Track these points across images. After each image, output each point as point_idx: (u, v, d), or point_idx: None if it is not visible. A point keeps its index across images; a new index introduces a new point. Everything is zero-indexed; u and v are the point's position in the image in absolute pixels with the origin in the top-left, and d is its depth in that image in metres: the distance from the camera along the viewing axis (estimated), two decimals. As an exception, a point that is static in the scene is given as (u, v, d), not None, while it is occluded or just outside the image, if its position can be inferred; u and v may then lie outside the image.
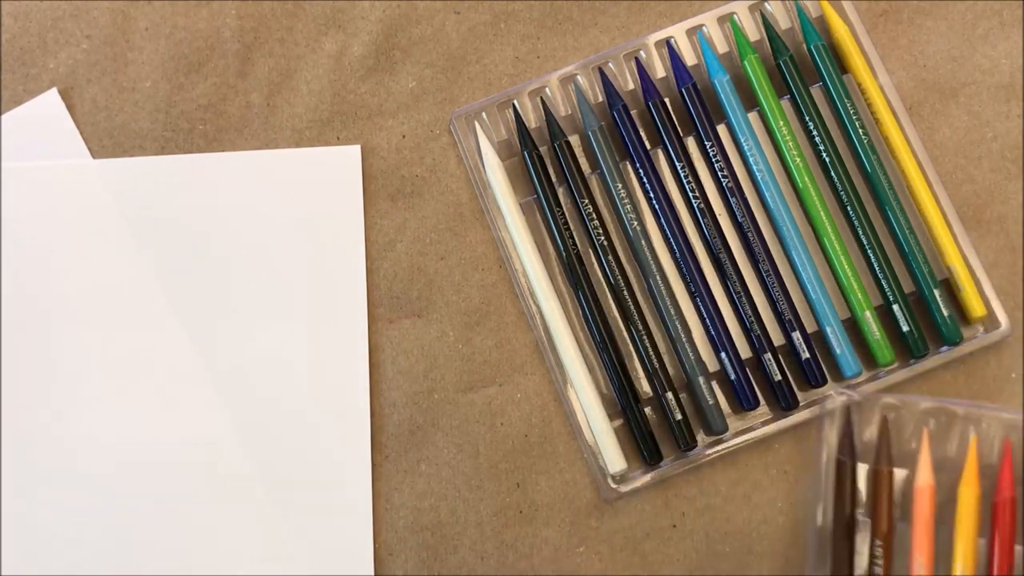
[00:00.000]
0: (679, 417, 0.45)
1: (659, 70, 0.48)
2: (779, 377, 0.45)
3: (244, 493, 0.45)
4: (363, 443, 0.46)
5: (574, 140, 0.48)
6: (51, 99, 0.48)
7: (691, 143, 0.47)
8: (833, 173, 0.47)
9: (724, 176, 0.46)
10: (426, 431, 0.46)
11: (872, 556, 0.43)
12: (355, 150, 0.48)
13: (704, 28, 0.48)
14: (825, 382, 0.45)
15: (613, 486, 0.45)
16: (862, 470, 0.44)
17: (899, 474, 0.44)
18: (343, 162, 0.48)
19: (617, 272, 0.46)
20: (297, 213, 0.48)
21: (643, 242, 0.46)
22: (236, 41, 0.49)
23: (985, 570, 0.43)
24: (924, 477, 0.43)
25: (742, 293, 0.46)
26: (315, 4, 0.50)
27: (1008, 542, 0.43)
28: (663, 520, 0.46)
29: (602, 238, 0.46)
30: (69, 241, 0.47)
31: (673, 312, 0.46)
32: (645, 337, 0.45)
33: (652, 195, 0.46)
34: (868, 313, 0.45)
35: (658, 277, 0.46)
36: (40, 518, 0.45)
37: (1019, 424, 0.44)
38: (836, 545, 0.43)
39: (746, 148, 0.47)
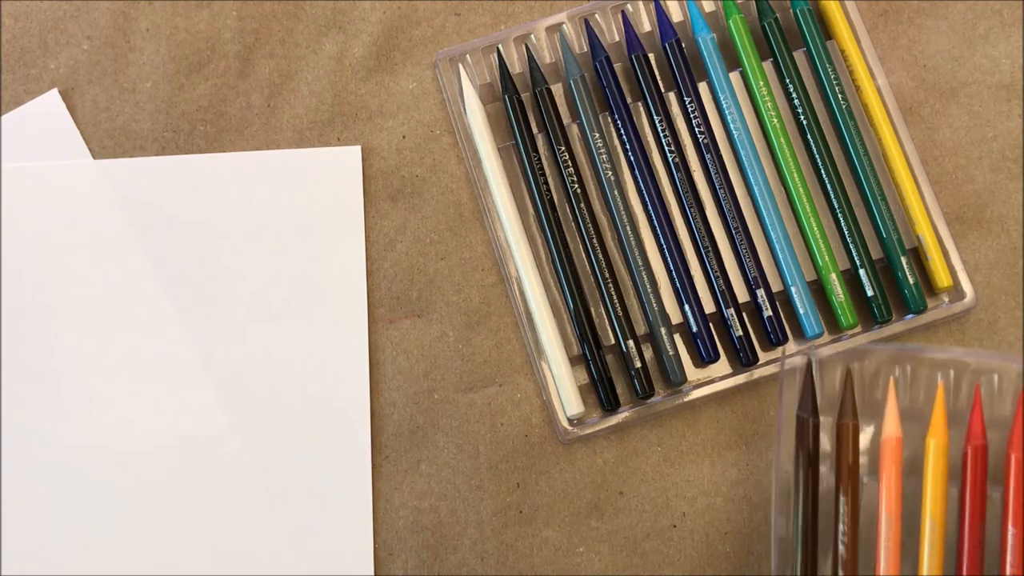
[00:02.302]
0: (638, 365, 0.45)
1: (645, 24, 0.48)
2: (740, 333, 0.45)
3: (244, 493, 0.45)
4: (363, 443, 0.46)
5: (557, 89, 0.48)
6: (52, 100, 0.48)
7: (672, 99, 0.48)
8: (809, 136, 0.47)
9: (701, 133, 0.47)
10: (426, 431, 0.46)
11: (837, 513, 0.41)
12: (355, 151, 0.49)
13: None
14: (786, 340, 0.46)
15: (570, 428, 0.45)
16: (826, 426, 0.43)
17: (869, 430, 0.43)
18: (343, 163, 0.48)
19: (588, 220, 0.46)
20: (297, 213, 0.48)
21: (616, 192, 0.47)
22: (237, 42, 0.49)
23: (957, 519, 0.42)
24: (891, 428, 0.42)
25: (710, 248, 0.46)
26: (315, 5, 0.50)
27: (980, 490, 0.41)
28: (663, 520, 0.46)
29: (575, 185, 0.47)
30: (69, 241, 0.47)
31: (641, 262, 0.46)
32: (611, 285, 0.46)
33: (628, 147, 0.47)
34: (834, 275, 0.46)
35: (628, 227, 0.46)
36: (40, 518, 0.45)
37: (990, 369, 0.43)
38: (800, 504, 0.42)
39: (725, 107, 0.47)
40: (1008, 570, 0.41)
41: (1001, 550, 0.41)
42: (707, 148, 0.47)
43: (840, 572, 0.41)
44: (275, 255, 0.47)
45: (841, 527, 0.41)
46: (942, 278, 0.46)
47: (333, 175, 0.48)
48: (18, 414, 0.46)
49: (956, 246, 0.47)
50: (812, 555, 0.41)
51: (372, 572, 0.45)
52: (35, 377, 0.46)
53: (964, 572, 0.41)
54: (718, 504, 0.46)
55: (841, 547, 0.41)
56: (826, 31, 0.49)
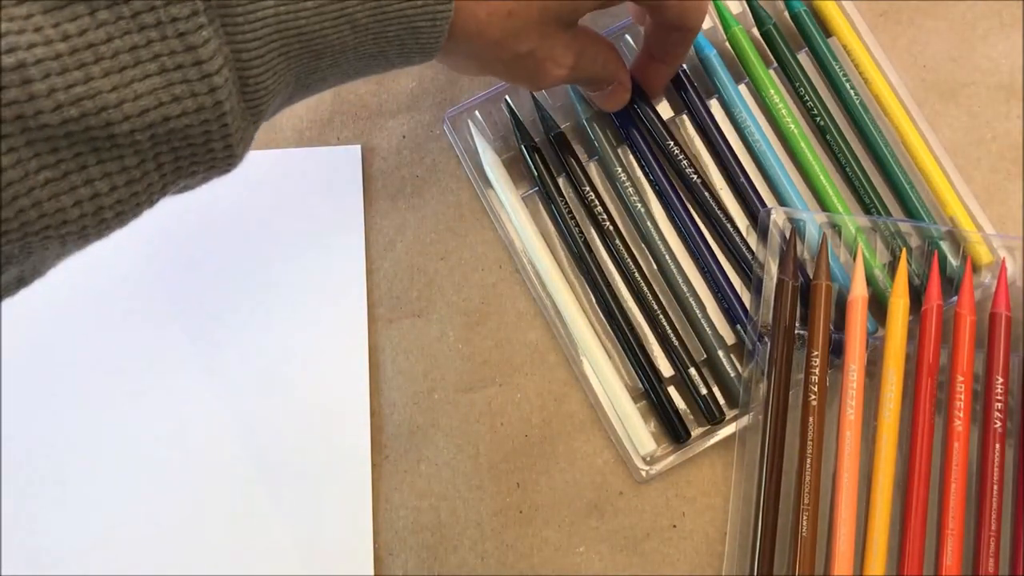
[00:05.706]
0: (704, 392, 0.45)
1: None
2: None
3: (244, 492, 0.45)
4: (363, 443, 0.46)
5: (564, 129, 0.48)
6: (51, 99, 0.48)
7: (685, 120, 0.48)
8: (828, 136, 0.47)
9: (722, 150, 0.47)
10: (426, 431, 0.46)
11: (808, 366, 0.44)
12: (355, 150, 0.48)
13: None
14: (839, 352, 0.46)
15: (644, 467, 0.45)
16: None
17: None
18: (343, 162, 0.48)
19: (626, 255, 0.46)
20: (297, 213, 0.48)
21: (648, 223, 0.47)
22: (236, 41, 0.49)
23: (915, 371, 0.44)
24: (858, 289, 0.44)
25: (752, 263, 0.46)
26: (315, 4, 0.50)
27: (934, 346, 0.44)
28: (663, 520, 0.46)
29: (607, 223, 0.46)
30: (69, 241, 0.47)
31: (686, 289, 0.46)
32: (661, 316, 0.46)
33: (653, 176, 0.47)
34: (877, 271, 0.46)
35: (666, 255, 0.46)
36: (40, 518, 0.45)
37: (946, 237, 0.46)
38: (775, 359, 0.44)
39: (740, 120, 0.47)
40: (957, 413, 0.44)
41: (951, 395, 0.44)
42: (730, 164, 0.47)
43: (811, 418, 0.43)
44: (275, 255, 0.47)
45: (813, 377, 0.43)
46: (982, 255, 0.46)
47: (333, 175, 0.48)
48: (17, 414, 0.45)
49: (988, 220, 0.47)
50: (783, 403, 0.44)
51: (372, 572, 0.45)
52: (34, 377, 0.46)
53: (921, 409, 0.44)
54: (718, 504, 0.46)
55: (812, 396, 0.43)
56: (825, 30, 0.49)
